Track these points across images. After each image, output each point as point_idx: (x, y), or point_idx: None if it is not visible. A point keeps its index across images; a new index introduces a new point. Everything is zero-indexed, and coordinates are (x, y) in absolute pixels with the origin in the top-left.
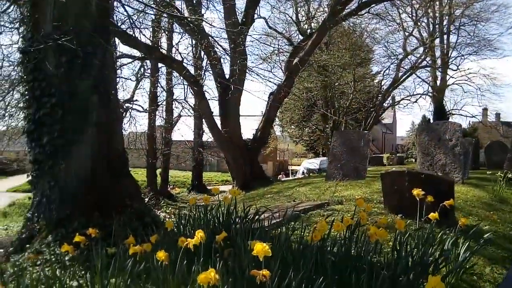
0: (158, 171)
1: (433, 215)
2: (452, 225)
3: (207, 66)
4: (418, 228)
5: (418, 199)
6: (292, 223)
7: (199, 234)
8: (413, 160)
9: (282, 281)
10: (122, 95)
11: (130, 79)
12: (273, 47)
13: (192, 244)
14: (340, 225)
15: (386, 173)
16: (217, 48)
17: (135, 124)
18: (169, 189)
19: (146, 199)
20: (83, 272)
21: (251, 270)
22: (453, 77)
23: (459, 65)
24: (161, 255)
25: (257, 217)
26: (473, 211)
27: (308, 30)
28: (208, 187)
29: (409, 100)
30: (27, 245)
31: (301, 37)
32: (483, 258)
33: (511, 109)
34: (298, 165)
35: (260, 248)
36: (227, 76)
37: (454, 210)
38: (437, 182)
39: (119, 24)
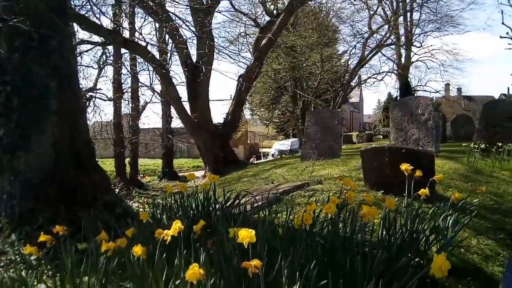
0: (127, 160)
1: (424, 191)
2: (436, 199)
3: (172, 50)
4: (407, 205)
5: (406, 174)
6: (274, 205)
7: (177, 224)
8: (381, 137)
9: (271, 268)
10: (84, 83)
11: (92, 66)
12: (240, 30)
13: (170, 236)
14: (332, 207)
15: (366, 150)
16: (183, 30)
17: (100, 113)
18: (139, 178)
19: (117, 190)
20: (52, 272)
21: (236, 258)
22: (417, 54)
23: (422, 42)
24: (137, 250)
25: (237, 201)
26: (451, 183)
27: (275, 11)
28: (179, 174)
29: (376, 78)
30: None
31: (267, 18)
32: (468, 230)
33: (472, 84)
34: (269, 148)
35: (245, 235)
36: (194, 60)
37: (435, 184)
38: (417, 156)
39: (77, 9)
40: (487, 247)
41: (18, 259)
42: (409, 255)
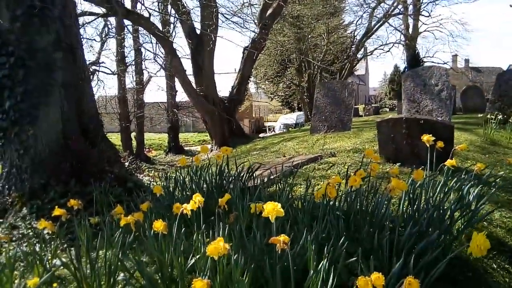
0: (133, 134)
1: (450, 162)
2: (456, 171)
3: (176, 21)
4: (432, 176)
5: (428, 145)
6: (289, 178)
7: (197, 198)
8: (387, 110)
9: (294, 243)
10: (87, 57)
11: (95, 39)
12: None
13: (189, 210)
14: (357, 179)
15: (382, 121)
16: (186, 0)
17: (104, 87)
18: (145, 152)
19: (126, 164)
20: (66, 246)
21: (254, 233)
22: (425, 24)
23: (431, 11)
24: (158, 225)
25: (251, 174)
26: (469, 155)
27: None
28: (185, 148)
29: (382, 49)
30: (0, 220)
31: None
32: (490, 203)
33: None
34: (274, 121)
35: (272, 208)
36: (198, 32)
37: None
38: (436, 128)
39: None
40: (510, 220)
41: (31, 233)
42: (436, 232)
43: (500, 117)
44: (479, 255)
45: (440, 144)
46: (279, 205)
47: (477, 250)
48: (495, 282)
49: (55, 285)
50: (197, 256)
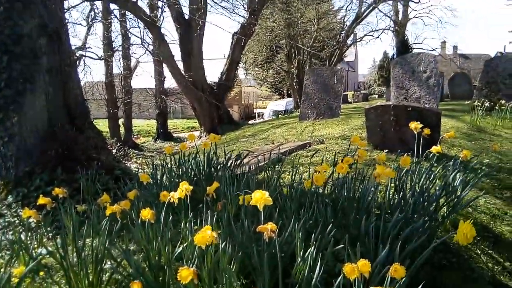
0: (121, 121)
1: (436, 148)
2: (442, 157)
3: (164, 6)
4: (417, 162)
5: (415, 132)
6: (277, 166)
7: (184, 186)
8: (376, 97)
9: (281, 231)
10: (73, 42)
11: (81, 24)
12: None
13: (177, 198)
14: (344, 167)
15: (370, 108)
16: None
17: (91, 73)
18: (133, 139)
19: (114, 151)
20: (52, 234)
21: (242, 221)
22: (415, 10)
23: None
24: (146, 213)
25: (239, 162)
26: (455, 142)
27: None
28: (174, 135)
29: (372, 35)
30: None
31: None
32: (475, 190)
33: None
34: (264, 108)
35: (260, 197)
36: (186, 17)
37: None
38: (424, 115)
39: None
40: (494, 206)
41: (17, 222)
42: (422, 218)
43: (487, 104)
44: (465, 243)
45: (427, 131)
46: (267, 193)
47: (463, 238)
48: (479, 267)
49: (41, 273)
50: (185, 244)
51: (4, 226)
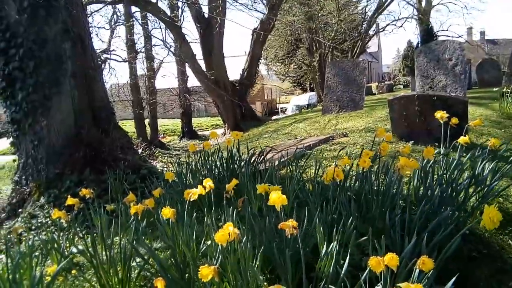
0: (146, 121)
1: (464, 139)
2: (470, 147)
3: (183, 6)
4: (446, 153)
5: (442, 122)
6: (300, 160)
7: (207, 183)
8: (401, 87)
9: (303, 225)
10: (98, 45)
11: (104, 27)
12: None
13: (197, 195)
14: (366, 161)
15: (394, 99)
16: None
17: (116, 75)
18: (160, 138)
19: (140, 150)
20: (82, 234)
21: (268, 217)
22: None
23: None
24: (166, 212)
25: (262, 158)
26: (484, 130)
27: None
28: (199, 133)
29: (395, 25)
30: (20, 210)
31: None
32: (505, 179)
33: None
34: (286, 103)
35: (276, 198)
36: (206, 16)
37: (468, 131)
38: (449, 104)
39: None
40: None
41: (49, 222)
42: (449, 208)
43: None
44: (492, 228)
45: (454, 120)
46: (283, 195)
47: (489, 222)
48: (511, 258)
49: (73, 271)
50: (208, 243)
51: (38, 226)
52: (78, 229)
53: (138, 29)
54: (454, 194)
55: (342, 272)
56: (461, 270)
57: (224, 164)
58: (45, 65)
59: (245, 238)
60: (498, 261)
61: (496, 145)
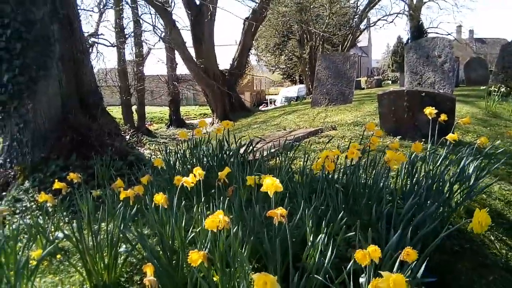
0: (134, 108)
1: (452, 136)
2: (455, 144)
3: None
4: (433, 149)
5: (430, 118)
6: (289, 152)
7: (197, 171)
8: (389, 82)
9: (291, 216)
10: (86, 28)
11: (93, 10)
12: None
13: (184, 182)
14: (355, 152)
15: (383, 94)
16: None
17: (103, 59)
18: (146, 125)
19: (127, 137)
20: (68, 218)
21: (254, 205)
22: None
23: None
24: (159, 198)
25: (251, 148)
26: (470, 128)
27: None
28: (187, 121)
29: (386, 20)
30: (3, 193)
31: None
32: (489, 176)
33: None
34: (276, 94)
35: (270, 184)
36: (197, 3)
37: (454, 128)
38: (438, 100)
39: None
40: (509, 192)
41: (34, 206)
42: (436, 203)
43: (503, 89)
44: (481, 231)
45: (443, 117)
46: (277, 180)
47: (478, 226)
48: (492, 253)
49: (58, 256)
50: (197, 229)
51: (22, 210)
52: (64, 214)
53: (127, 13)
54: (440, 189)
55: (326, 262)
56: (444, 264)
57: (213, 154)
58: (33, 47)
59: (236, 227)
60: (480, 256)
61: (484, 144)
